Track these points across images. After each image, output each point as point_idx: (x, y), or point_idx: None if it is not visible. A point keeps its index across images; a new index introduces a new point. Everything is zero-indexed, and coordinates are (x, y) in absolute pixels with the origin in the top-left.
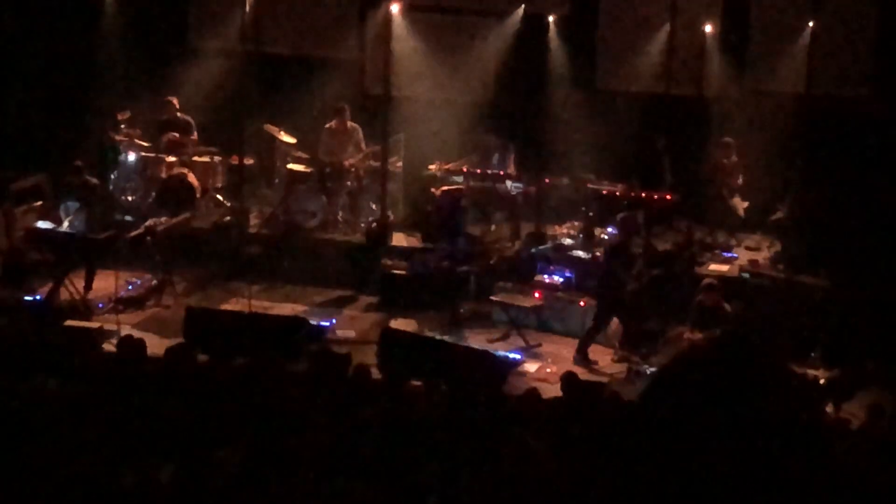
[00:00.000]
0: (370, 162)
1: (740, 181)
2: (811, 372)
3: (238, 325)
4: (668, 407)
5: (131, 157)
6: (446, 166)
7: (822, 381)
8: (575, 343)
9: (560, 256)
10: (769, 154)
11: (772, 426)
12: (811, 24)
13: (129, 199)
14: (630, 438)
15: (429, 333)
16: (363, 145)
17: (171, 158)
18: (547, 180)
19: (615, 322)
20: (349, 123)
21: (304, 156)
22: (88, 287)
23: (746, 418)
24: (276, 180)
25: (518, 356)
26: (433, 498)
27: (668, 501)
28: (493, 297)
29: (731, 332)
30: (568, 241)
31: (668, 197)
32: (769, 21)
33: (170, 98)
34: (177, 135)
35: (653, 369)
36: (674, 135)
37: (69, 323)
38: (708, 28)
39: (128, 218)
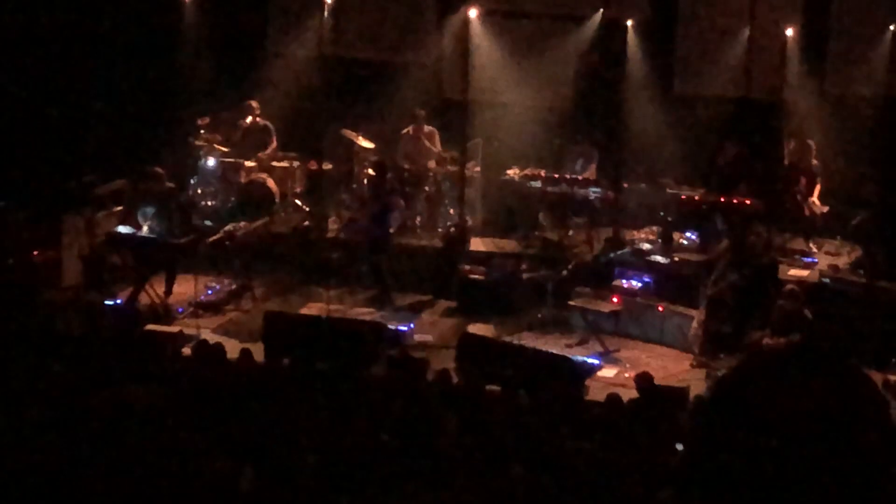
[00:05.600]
0: (448, 167)
1: (819, 185)
2: (892, 377)
3: (316, 330)
4: (738, 408)
5: (211, 162)
6: (524, 171)
7: None
8: (653, 348)
9: (638, 261)
10: (849, 158)
11: (846, 430)
12: (892, 27)
13: (209, 203)
14: (700, 437)
15: (507, 338)
16: (439, 147)
17: (251, 163)
18: (625, 185)
19: (694, 327)
20: (426, 128)
21: (382, 161)
22: (169, 291)
23: (821, 422)
24: (354, 185)
25: (596, 361)
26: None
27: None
28: (571, 302)
29: (807, 337)
30: (646, 246)
31: (748, 202)
32: (849, 24)
33: (250, 102)
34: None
35: None
36: (752, 139)
37: (150, 327)
38: (788, 32)
39: (207, 223)
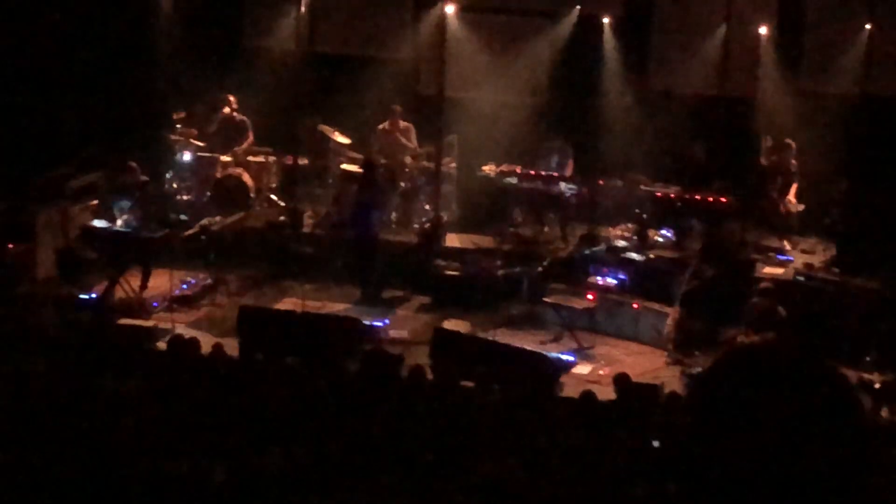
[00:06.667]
0: (424, 162)
1: (796, 184)
2: (866, 375)
3: (291, 325)
4: (713, 407)
5: (186, 156)
6: (500, 167)
7: (876, 385)
8: (628, 345)
9: (613, 258)
10: (824, 156)
11: (820, 429)
12: (867, 25)
13: (184, 198)
14: (678, 438)
15: (481, 334)
16: (415, 143)
17: (226, 158)
18: (600, 182)
19: (669, 324)
20: (402, 123)
21: (358, 156)
22: (143, 286)
23: (794, 421)
24: (330, 180)
25: (571, 358)
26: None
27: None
28: (545, 299)
29: (782, 334)
30: (621, 243)
31: (724, 200)
32: (825, 22)
33: (227, 96)
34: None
35: None
36: (728, 137)
37: (124, 321)
38: (762, 30)
39: (183, 217)
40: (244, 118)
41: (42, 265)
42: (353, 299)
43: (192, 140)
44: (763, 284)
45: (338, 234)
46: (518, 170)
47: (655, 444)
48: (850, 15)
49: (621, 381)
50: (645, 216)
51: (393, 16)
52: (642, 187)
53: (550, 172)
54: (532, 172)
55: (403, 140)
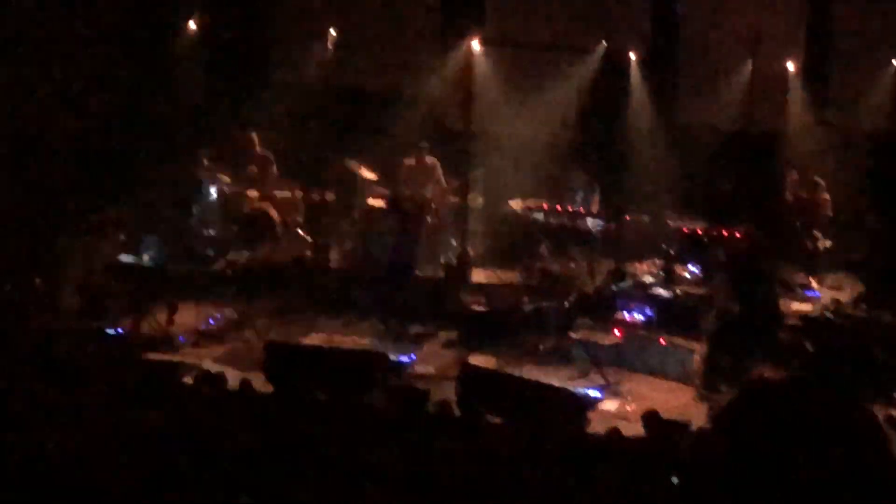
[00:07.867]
0: (450, 198)
1: (822, 220)
2: (894, 412)
3: (317, 360)
4: (737, 440)
5: (213, 191)
6: (527, 202)
7: None
8: (655, 381)
9: (640, 294)
10: (851, 191)
11: (847, 465)
12: (894, 61)
13: (211, 233)
14: (704, 473)
15: (508, 370)
16: (443, 181)
17: (253, 193)
18: (627, 217)
19: (696, 360)
20: (428, 159)
21: (385, 192)
22: (170, 321)
23: (821, 457)
24: (357, 216)
25: (598, 394)
26: None
27: None
28: (572, 334)
29: (809, 371)
30: (648, 279)
31: (750, 235)
32: (852, 57)
33: (249, 135)
34: (255, 168)
35: None
36: (753, 171)
37: (150, 356)
38: (789, 65)
39: (209, 252)
40: (267, 153)
41: (67, 299)
42: (380, 335)
43: (218, 175)
44: (790, 321)
45: (367, 270)
46: (545, 205)
47: (675, 480)
48: (877, 51)
49: (650, 418)
50: (672, 252)
51: (419, 51)
52: (669, 223)
53: (577, 208)
54: (559, 208)
55: (429, 176)
